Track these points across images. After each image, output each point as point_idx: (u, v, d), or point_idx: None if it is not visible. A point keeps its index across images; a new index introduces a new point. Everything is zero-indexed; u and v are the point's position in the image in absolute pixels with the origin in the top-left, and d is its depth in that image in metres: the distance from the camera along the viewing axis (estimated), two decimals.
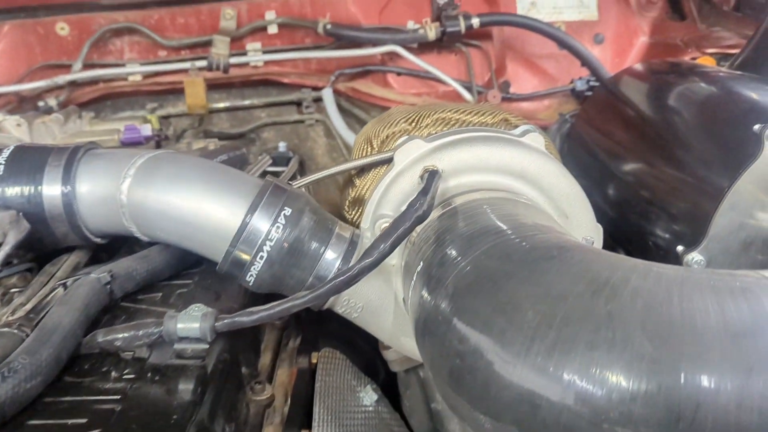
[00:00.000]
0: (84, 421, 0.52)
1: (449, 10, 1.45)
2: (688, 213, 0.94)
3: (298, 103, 1.65)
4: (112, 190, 0.76)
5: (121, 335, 0.62)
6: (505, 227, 0.59)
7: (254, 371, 0.79)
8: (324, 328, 1.22)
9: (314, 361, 0.95)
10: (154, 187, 0.73)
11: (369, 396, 0.95)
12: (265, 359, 0.84)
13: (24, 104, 1.49)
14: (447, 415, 1.02)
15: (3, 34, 1.51)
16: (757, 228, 0.80)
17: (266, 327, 0.92)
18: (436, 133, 0.84)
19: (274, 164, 1.31)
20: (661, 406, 0.41)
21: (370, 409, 0.93)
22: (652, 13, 1.69)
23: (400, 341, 0.80)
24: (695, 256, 0.82)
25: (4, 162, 0.77)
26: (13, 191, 0.77)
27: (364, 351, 1.26)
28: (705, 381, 0.41)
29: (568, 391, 0.43)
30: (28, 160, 0.78)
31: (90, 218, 0.79)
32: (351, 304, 0.76)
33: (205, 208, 0.72)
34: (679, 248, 0.85)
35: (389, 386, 1.17)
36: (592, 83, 1.53)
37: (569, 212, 0.77)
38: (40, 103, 1.46)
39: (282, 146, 1.43)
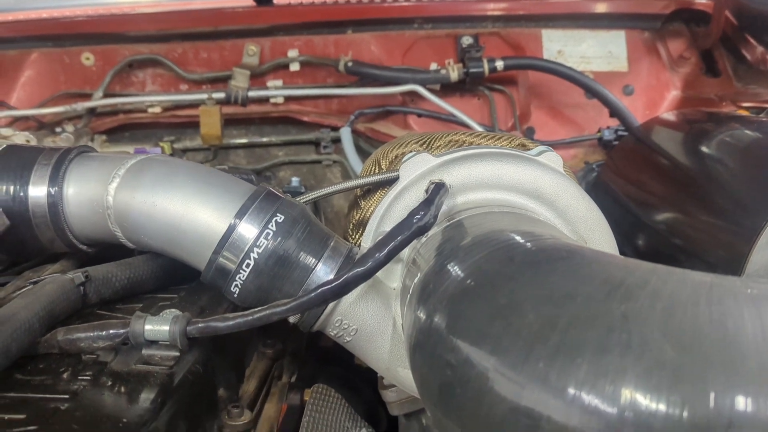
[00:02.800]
0: (22, 416, 0.46)
1: (473, 52, 1.43)
2: (722, 256, 0.87)
3: (316, 143, 1.62)
4: (99, 191, 0.72)
5: (83, 334, 0.56)
6: (512, 232, 0.53)
7: (234, 395, 0.72)
8: (324, 369, 1.15)
9: (306, 398, 0.88)
10: (142, 188, 0.69)
11: None
12: (249, 386, 0.77)
13: (44, 130, 1.49)
14: None
15: (31, 61, 1.53)
16: None
17: (254, 354, 0.85)
18: None
19: None
20: (685, 421, 0.33)
21: None
22: (684, 68, 1.65)
23: (397, 373, 0.73)
24: None
25: None
26: None
27: (366, 397, 1.18)
28: (740, 394, 0.33)
29: (574, 403, 0.36)
30: (18, 159, 0.75)
31: (76, 222, 0.74)
32: (344, 326, 0.70)
33: (192, 210, 0.67)
34: None
35: None
36: (620, 133, 1.48)
37: (588, 237, 0.70)
38: (57, 129, 1.46)
39: (295, 181, 1.39)
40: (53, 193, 0.73)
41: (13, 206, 0.73)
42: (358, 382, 1.20)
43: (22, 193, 0.73)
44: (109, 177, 0.71)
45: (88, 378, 0.54)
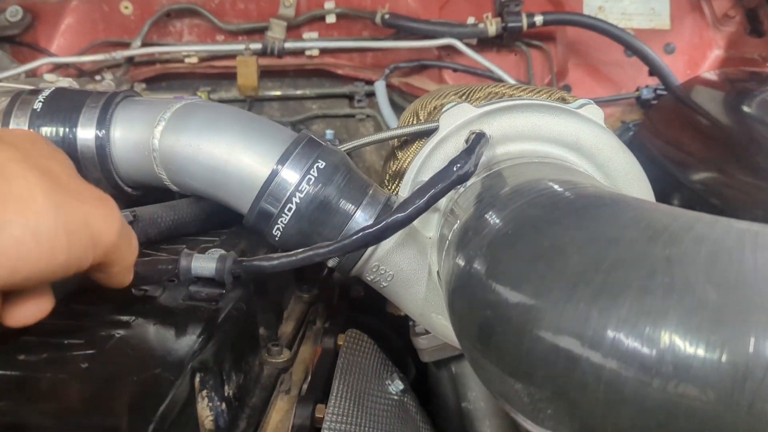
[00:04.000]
0: (81, 341, 0.49)
1: (512, 6, 1.41)
2: (761, 215, 0.86)
3: (350, 97, 1.62)
4: (145, 134, 0.74)
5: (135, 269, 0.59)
6: (552, 181, 0.54)
7: (273, 335, 0.75)
8: (355, 318, 1.17)
9: (340, 343, 0.90)
10: (187, 132, 0.71)
11: (395, 384, 0.89)
12: (287, 327, 0.79)
13: (84, 77, 1.52)
14: (478, 416, 0.96)
15: (71, 9, 1.55)
16: None
17: (291, 298, 0.87)
18: None
19: None
20: (725, 360, 0.34)
21: (395, 397, 0.87)
22: (728, 27, 1.60)
23: (431, 318, 0.74)
24: None
25: (43, 100, 0.76)
26: (48, 130, 0.75)
27: (395, 347, 1.21)
28: None
29: (615, 340, 0.37)
30: (67, 101, 0.77)
31: (122, 164, 0.76)
32: (381, 272, 0.71)
33: (235, 155, 0.69)
34: None
35: (419, 386, 1.11)
36: (659, 92, 1.45)
37: (627, 190, 0.70)
38: (97, 77, 1.48)
39: (329, 134, 1.40)
40: (101, 135, 0.75)
41: (63, 147, 0.74)
42: (387, 331, 1.23)
43: (71, 135, 0.75)
44: (154, 120, 0.73)
45: (139, 310, 0.56)
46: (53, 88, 0.78)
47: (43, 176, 0.41)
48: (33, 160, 0.42)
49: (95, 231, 0.43)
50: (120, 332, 0.51)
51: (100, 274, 0.48)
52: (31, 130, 0.48)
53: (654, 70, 1.40)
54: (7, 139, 0.44)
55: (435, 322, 0.74)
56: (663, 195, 1.19)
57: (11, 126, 0.74)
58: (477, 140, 0.66)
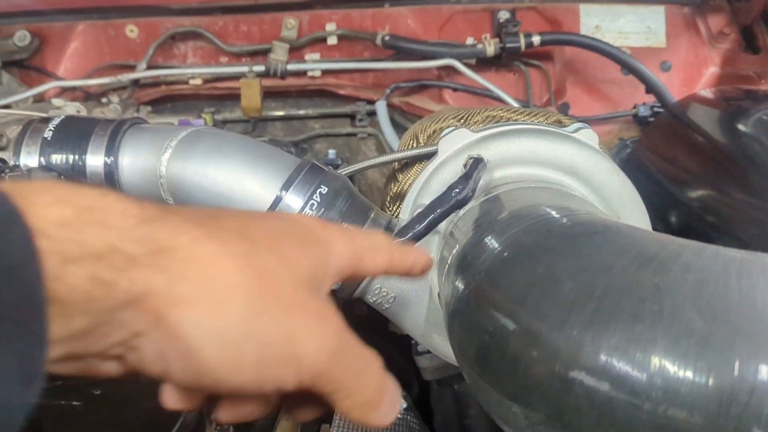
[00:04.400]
0: None
1: (510, 27, 1.43)
2: (755, 233, 0.88)
3: (352, 116, 1.64)
4: (153, 161, 0.76)
5: None
6: (548, 207, 0.55)
7: None
8: (359, 336, 1.19)
9: None
10: (193, 159, 0.73)
11: None
12: None
13: (91, 100, 1.54)
14: None
15: (77, 33, 1.58)
16: None
17: None
18: None
19: None
20: (711, 385, 0.36)
21: (399, 416, 0.89)
22: (724, 44, 1.63)
23: (432, 339, 0.76)
24: None
25: (53, 129, 0.78)
26: (58, 157, 0.77)
27: (398, 364, 1.22)
28: (764, 363, 0.35)
29: (606, 368, 0.39)
30: (76, 129, 0.79)
31: (130, 189, 0.78)
32: (383, 294, 0.73)
33: (240, 181, 0.71)
34: None
35: (422, 403, 1.12)
36: (656, 109, 1.47)
37: (621, 213, 0.72)
38: (104, 100, 1.50)
39: (332, 153, 1.42)
40: (109, 162, 0.77)
41: (72, 174, 0.77)
42: (390, 349, 1.24)
43: (80, 162, 0.77)
44: (161, 148, 0.75)
45: None
46: (63, 117, 0.80)
47: (256, 279, 0.37)
48: (255, 259, 0.37)
49: (300, 351, 0.37)
50: None
51: (328, 400, 0.40)
52: (303, 217, 0.40)
53: (650, 88, 1.42)
54: (251, 231, 0.39)
55: (436, 343, 0.76)
56: (660, 211, 1.21)
57: (22, 155, 0.76)
58: (475, 165, 0.68)
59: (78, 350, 0.33)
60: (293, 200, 0.68)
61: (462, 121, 0.87)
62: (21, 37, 1.52)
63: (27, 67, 1.58)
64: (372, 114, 1.60)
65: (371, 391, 0.40)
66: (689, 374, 0.36)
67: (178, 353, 0.34)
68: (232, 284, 0.35)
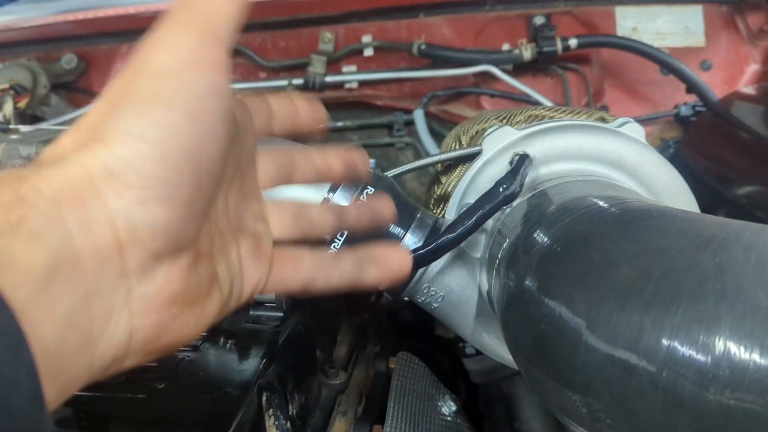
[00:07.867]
0: (155, 364, 0.52)
1: (546, 31, 1.43)
2: None
3: (389, 127, 1.66)
4: None
5: None
6: (598, 197, 0.55)
7: (329, 358, 0.77)
8: (405, 342, 1.19)
9: (392, 366, 0.92)
10: None
11: (448, 405, 0.90)
12: (341, 351, 0.82)
13: None
14: None
15: (121, 54, 1.63)
16: None
17: (343, 323, 0.90)
18: None
19: None
20: None
21: (449, 418, 0.88)
22: (764, 42, 1.60)
23: (482, 338, 0.76)
24: None
25: None
26: None
27: (445, 369, 1.21)
28: None
29: (670, 348, 0.38)
30: None
31: None
32: (431, 293, 0.73)
33: (289, 185, 0.72)
34: None
35: (470, 408, 1.11)
36: (698, 108, 1.45)
37: (671, 205, 0.71)
38: None
39: (372, 162, 1.43)
40: None
41: None
42: (436, 353, 1.24)
43: None
44: None
45: (205, 335, 0.59)
46: None
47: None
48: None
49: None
50: (189, 355, 0.54)
51: None
52: None
53: (691, 88, 1.40)
54: None
55: (486, 342, 0.76)
56: (707, 210, 1.18)
57: None
58: (521, 161, 0.68)
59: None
60: (342, 201, 0.69)
61: (504, 121, 0.87)
62: (68, 60, 1.58)
63: (74, 89, 1.63)
64: (409, 123, 1.62)
65: None
66: (756, 354, 0.36)
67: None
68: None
